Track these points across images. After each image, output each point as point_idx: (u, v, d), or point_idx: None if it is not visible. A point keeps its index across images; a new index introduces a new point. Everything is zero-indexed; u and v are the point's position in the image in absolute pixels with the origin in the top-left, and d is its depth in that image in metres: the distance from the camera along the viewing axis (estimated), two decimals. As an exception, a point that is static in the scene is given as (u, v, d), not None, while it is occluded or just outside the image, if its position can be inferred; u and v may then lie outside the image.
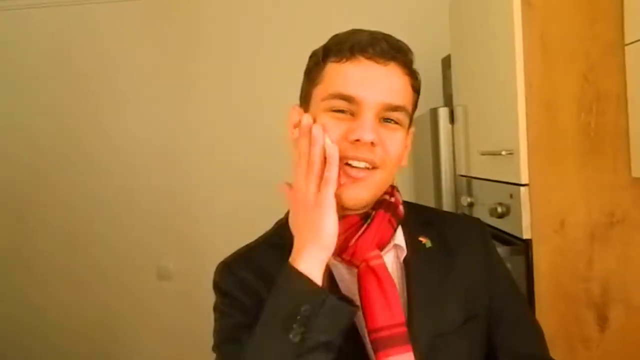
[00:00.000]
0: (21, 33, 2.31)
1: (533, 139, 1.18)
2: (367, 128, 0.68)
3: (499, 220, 1.33)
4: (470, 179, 1.64)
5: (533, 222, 1.19)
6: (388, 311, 0.69)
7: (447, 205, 1.73)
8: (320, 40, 0.78)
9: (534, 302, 1.18)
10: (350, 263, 0.72)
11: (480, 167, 1.51)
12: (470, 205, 1.57)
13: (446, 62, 2.06)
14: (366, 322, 0.70)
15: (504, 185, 1.30)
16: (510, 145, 1.23)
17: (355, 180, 0.70)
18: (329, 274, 0.71)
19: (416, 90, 0.76)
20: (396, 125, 0.72)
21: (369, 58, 0.70)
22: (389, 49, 0.71)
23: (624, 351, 1.18)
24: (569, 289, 1.18)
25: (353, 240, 0.71)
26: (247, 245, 0.81)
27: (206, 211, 2.30)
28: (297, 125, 0.72)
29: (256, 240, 0.82)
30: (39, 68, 2.31)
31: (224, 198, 2.30)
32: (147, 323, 2.29)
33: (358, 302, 0.70)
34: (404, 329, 0.69)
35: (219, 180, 2.31)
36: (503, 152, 1.25)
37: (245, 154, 2.30)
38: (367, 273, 0.70)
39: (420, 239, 0.78)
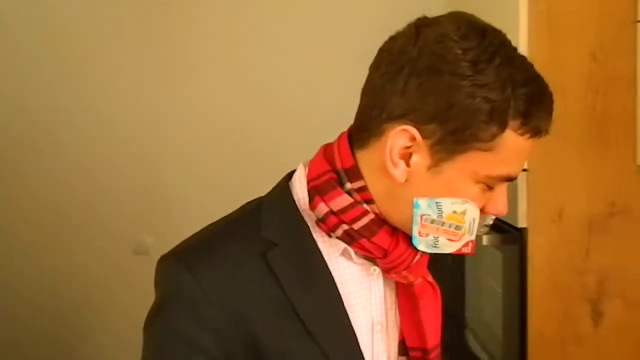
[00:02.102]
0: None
1: (534, 121, 1.10)
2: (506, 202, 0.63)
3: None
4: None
5: (530, 210, 1.12)
6: (437, 326, 0.68)
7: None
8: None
9: (526, 294, 1.12)
10: (405, 279, 0.64)
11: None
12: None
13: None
14: (412, 338, 0.66)
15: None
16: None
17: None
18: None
19: None
20: None
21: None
22: None
23: (618, 349, 1.12)
24: (564, 281, 1.12)
25: (418, 256, 0.63)
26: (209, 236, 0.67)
27: (187, 186, 2.23)
28: (406, 154, 0.59)
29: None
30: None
31: (204, 172, 2.22)
32: (120, 297, 2.24)
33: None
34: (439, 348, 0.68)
35: (200, 154, 2.23)
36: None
37: (232, 126, 2.22)
38: (426, 287, 0.66)
39: None
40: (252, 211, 0.67)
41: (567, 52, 1.09)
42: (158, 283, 0.65)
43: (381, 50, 0.62)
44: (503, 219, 1.24)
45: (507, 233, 1.19)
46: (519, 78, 0.57)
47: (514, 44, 0.61)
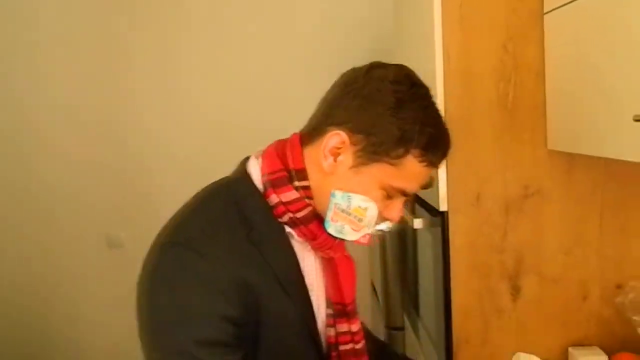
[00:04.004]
0: None
1: (451, 110, 1.16)
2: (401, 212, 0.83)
3: (424, 192, 1.33)
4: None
5: (450, 194, 1.19)
6: (352, 288, 0.89)
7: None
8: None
9: (449, 274, 1.20)
10: (328, 254, 0.85)
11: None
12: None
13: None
14: (334, 296, 0.87)
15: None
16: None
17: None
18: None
19: None
20: None
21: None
22: None
23: (535, 321, 1.20)
24: (484, 260, 1.20)
25: (338, 240, 0.83)
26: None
27: (161, 179, 2.28)
28: (336, 153, 0.78)
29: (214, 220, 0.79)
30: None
31: (178, 166, 2.27)
32: (94, 291, 2.30)
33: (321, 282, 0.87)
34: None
35: (175, 148, 2.29)
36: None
37: (205, 122, 2.26)
38: (343, 260, 0.87)
39: None
40: (226, 200, 0.81)
41: (480, 44, 1.15)
42: (167, 275, 0.74)
43: (341, 75, 0.83)
44: (428, 202, 1.32)
45: (434, 216, 1.26)
46: (428, 121, 0.78)
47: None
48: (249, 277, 0.75)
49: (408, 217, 1.42)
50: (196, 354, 0.70)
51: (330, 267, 0.86)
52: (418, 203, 1.50)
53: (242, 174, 0.83)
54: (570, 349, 1.18)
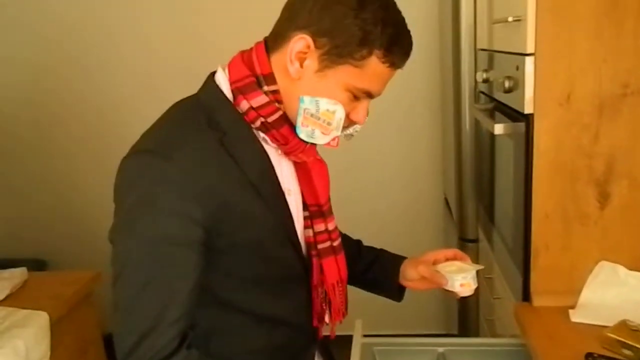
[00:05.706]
0: None
1: (543, 1, 1.06)
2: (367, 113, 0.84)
3: (507, 95, 1.25)
4: (492, 52, 1.53)
5: (537, 95, 1.11)
6: (326, 189, 0.92)
7: (465, 82, 1.64)
8: None
9: (531, 178, 1.15)
10: (300, 159, 0.86)
11: (494, 38, 1.39)
12: (486, 81, 1.48)
13: None
14: (310, 198, 0.90)
15: (512, 56, 1.20)
16: (519, 10, 1.11)
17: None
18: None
19: None
20: None
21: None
22: None
23: (623, 228, 1.14)
24: (570, 165, 1.13)
25: (309, 145, 0.85)
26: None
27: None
28: (302, 58, 0.77)
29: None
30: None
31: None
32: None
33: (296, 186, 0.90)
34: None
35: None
36: (510, 19, 1.14)
37: None
38: (316, 163, 0.89)
39: None
40: (194, 108, 0.82)
41: None
42: (135, 178, 0.75)
43: None
44: (511, 106, 1.24)
45: (517, 122, 1.19)
46: (389, 21, 0.77)
47: None
48: (219, 182, 0.76)
49: (487, 123, 1.36)
50: (159, 248, 0.73)
51: (304, 171, 0.88)
52: (497, 110, 1.42)
53: (210, 86, 0.83)
54: (660, 258, 1.12)
